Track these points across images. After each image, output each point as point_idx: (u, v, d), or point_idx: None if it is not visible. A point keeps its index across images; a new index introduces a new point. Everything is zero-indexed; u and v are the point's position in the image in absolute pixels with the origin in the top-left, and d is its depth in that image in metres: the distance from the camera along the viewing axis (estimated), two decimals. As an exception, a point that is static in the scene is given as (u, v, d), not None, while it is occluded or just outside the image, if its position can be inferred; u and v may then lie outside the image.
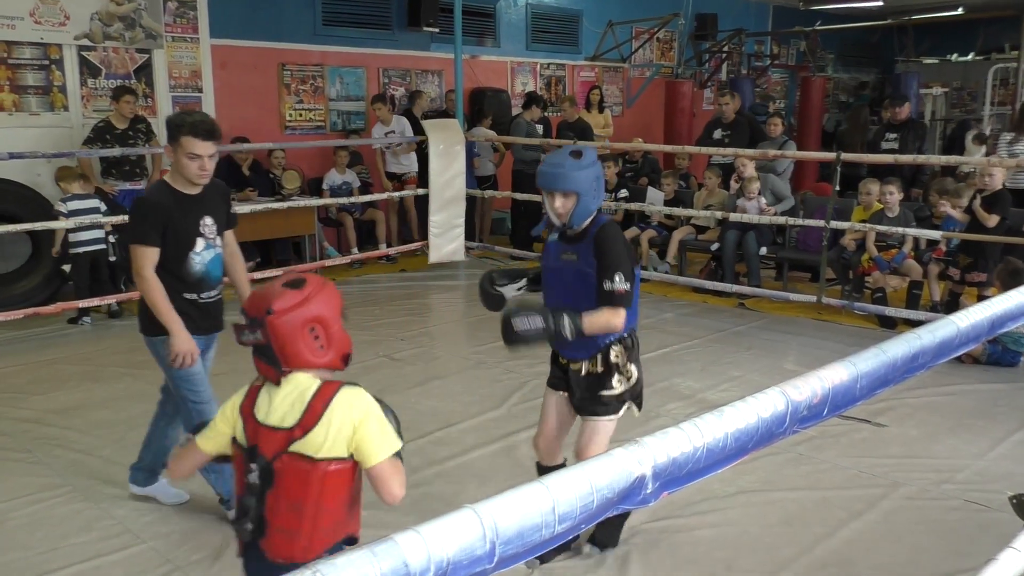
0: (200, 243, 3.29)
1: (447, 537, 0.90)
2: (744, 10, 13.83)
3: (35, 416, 4.71)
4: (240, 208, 7.52)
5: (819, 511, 3.65)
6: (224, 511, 3.48)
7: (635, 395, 3.02)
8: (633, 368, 2.96)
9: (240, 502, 2.02)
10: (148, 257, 3.19)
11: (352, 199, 8.53)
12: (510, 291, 3.09)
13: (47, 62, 7.55)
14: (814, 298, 6.71)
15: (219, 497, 3.50)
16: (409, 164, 8.99)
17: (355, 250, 8.60)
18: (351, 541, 2.06)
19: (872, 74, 16.29)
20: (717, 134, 8.51)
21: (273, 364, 1.95)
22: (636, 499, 1.07)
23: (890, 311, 6.34)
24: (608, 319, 2.78)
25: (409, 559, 0.86)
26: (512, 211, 9.61)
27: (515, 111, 10.30)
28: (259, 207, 7.70)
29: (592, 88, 10.81)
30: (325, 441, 1.90)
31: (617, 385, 2.92)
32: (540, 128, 9.43)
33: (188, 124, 3.16)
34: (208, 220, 3.32)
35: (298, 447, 1.91)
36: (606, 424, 2.96)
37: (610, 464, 1.04)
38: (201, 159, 3.18)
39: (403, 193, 8.85)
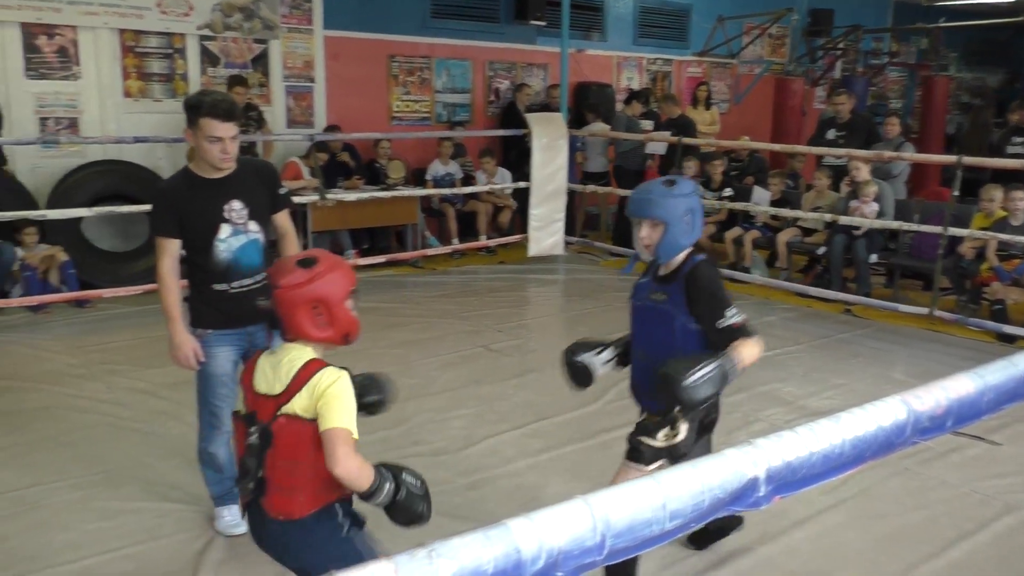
0: (225, 229, 3.09)
1: (558, 526, 0.90)
2: (862, 5, 13.31)
3: (151, 388, 4.95)
4: (346, 196, 7.78)
5: (925, 528, 3.50)
6: (213, 507, 3.44)
7: (674, 455, 2.66)
8: (683, 427, 2.64)
9: (241, 463, 2.17)
10: (165, 249, 3.09)
11: (454, 190, 8.65)
12: (598, 362, 2.87)
13: (171, 51, 7.91)
14: (926, 310, 6.41)
15: (211, 496, 3.43)
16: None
17: (455, 240, 8.72)
18: (347, 504, 2.17)
19: (999, 75, 15.47)
20: (831, 134, 8.20)
21: (279, 329, 2.14)
22: (748, 501, 1.05)
23: (1009, 329, 6.00)
24: (752, 350, 2.51)
25: (521, 545, 0.87)
26: (618, 207, 9.53)
27: (619, 107, 10.22)
28: (365, 195, 7.90)
29: (699, 84, 10.62)
30: (310, 406, 2.05)
31: (661, 438, 2.64)
32: (651, 124, 9.31)
33: (207, 105, 2.96)
34: (236, 204, 3.10)
35: (287, 409, 2.07)
36: (634, 472, 2.66)
37: (723, 464, 1.02)
38: (223, 141, 2.98)
39: (506, 185, 8.91)
